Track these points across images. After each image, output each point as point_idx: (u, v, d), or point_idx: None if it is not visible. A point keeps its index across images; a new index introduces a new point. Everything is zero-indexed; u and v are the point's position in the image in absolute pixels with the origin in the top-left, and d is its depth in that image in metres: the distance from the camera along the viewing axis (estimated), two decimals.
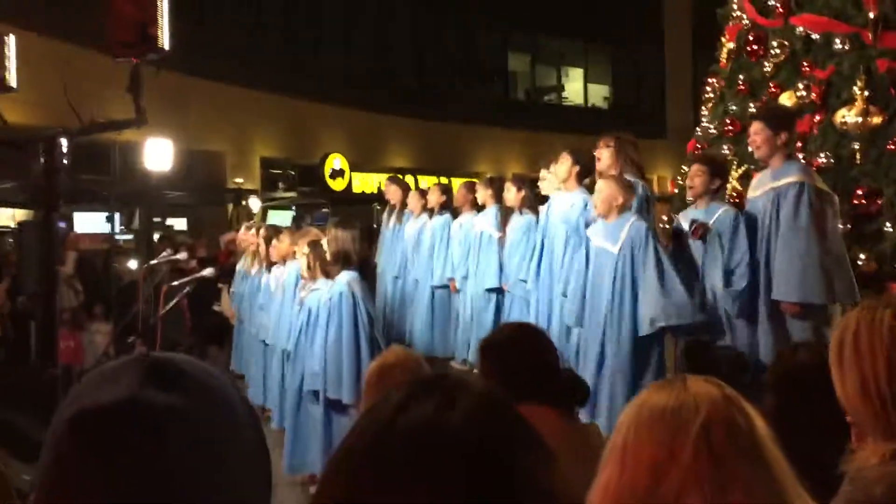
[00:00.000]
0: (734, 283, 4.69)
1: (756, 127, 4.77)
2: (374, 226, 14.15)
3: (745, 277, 4.68)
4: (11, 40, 4.45)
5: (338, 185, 19.67)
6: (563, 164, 5.96)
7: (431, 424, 0.80)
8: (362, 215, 18.01)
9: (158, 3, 3.48)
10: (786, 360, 2.21)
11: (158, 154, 8.25)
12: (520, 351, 2.27)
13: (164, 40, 3.48)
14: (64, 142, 4.01)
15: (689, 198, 5.35)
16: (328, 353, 4.72)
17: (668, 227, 5.64)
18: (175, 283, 6.28)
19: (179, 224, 17.19)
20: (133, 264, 10.02)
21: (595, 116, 24.77)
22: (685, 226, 5.11)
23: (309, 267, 5.03)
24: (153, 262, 7.07)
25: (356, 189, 20.21)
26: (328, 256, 4.87)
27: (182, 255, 7.07)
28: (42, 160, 3.92)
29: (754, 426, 1.24)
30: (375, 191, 19.64)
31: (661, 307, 4.71)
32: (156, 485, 0.79)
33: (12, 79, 4.48)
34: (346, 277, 4.82)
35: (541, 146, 22.97)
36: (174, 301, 6.02)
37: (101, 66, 5.56)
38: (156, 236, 14.49)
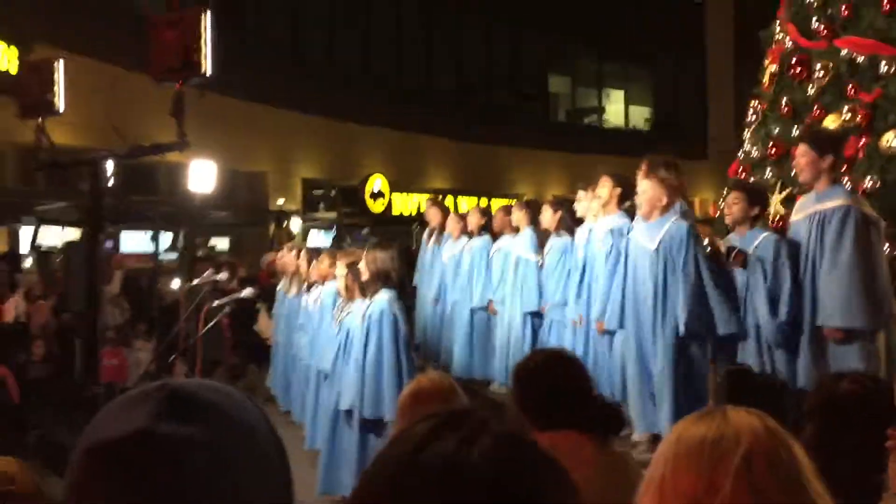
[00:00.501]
0: (780, 313, 4.60)
1: (801, 149, 4.70)
2: (413, 247, 14.22)
3: (788, 306, 4.59)
4: (60, 65, 4.56)
5: (378, 206, 19.80)
6: (604, 187, 5.94)
7: (451, 461, 0.80)
8: (401, 236, 18.11)
9: (202, 30, 3.56)
10: (827, 389, 2.17)
11: (202, 175, 8.38)
12: (552, 377, 2.26)
13: (207, 66, 3.55)
14: (109, 164, 4.09)
15: (730, 224, 5.29)
16: (366, 372, 4.72)
17: (709, 248, 5.57)
18: (216, 303, 6.36)
19: (222, 244, 17.43)
20: (176, 284, 10.17)
21: (636, 138, 24.64)
22: (723, 249, 5.04)
23: (347, 287, 5.05)
24: (195, 282, 7.16)
25: (396, 210, 20.33)
26: (366, 276, 4.89)
27: (223, 276, 7.15)
28: (88, 182, 4.01)
29: (796, 459, 1.21)
30: (415, 212, 19.73)
31: (694, 312, 4.71)
32: None
33: (60, 103, 4.58)
34: (385, 296, 4.84)
35: (581, 168, 22.89)
36: (214, 321, 6.08)
37: (146, 88, 5.69)
38: (198, 255, 14.71)
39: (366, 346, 4.74)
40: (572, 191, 6.74)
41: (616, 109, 26.36)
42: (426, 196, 19.87)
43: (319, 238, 18.36)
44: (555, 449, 2.04)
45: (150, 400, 0.85)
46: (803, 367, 4.56)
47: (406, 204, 20.59)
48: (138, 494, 0.81)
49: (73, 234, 13.13)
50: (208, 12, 3.63)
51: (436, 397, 2.49)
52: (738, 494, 1.15)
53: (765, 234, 4.91)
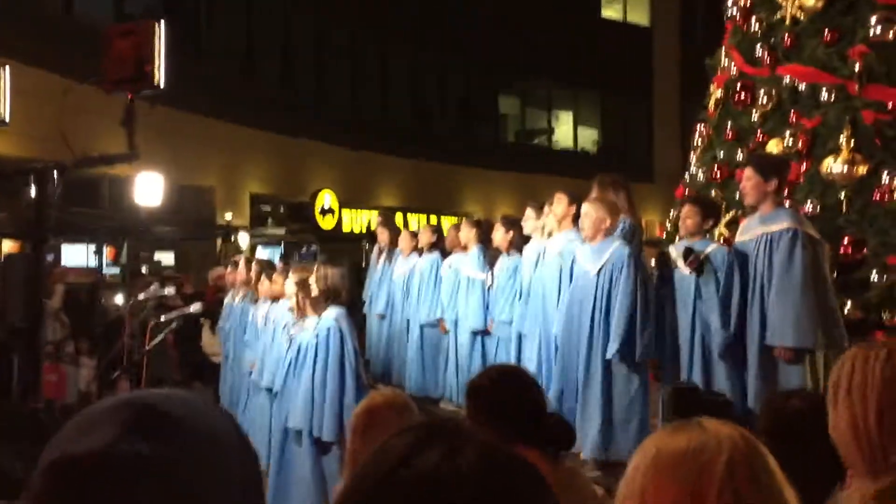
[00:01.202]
0: (729, 325, 4.72)
1: (747, 173, 4.83)
2: (363, 265, 14.16)
3: (738, 318, 4.72)
4: (6, 72, 4.46)
5: (327, 222, 19.70)
6: (560, 205, 6.01)
7: (437, 474, 0.79)
8: (351, 253, 18.03)
9: (155, 41, 3.52)
10: (778, 406, 2.21)
11: (149, 188, 8.21)
12: (506, 393, 2.26)
13: (160, 77, 3.51)
14: (55, 175, 4.01)
15: (682, 237, 5.40)
16: (315, 391, 4.69)
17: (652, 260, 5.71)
18: (162, 318, 6.24)
19: (167, 259, 17.13)
20: (119, 299, 9.96)
21: (584, 160, 24.99)
22: (674, 254, 5.13)
23: (298, 305, 5.02)
24: (140, 297, 7.02)
25: (346, 227, 20.26)
26: (316, 293, 4.87)
27: (170, 291, 7.03)
28: (33, 193, 3.92)
29: (771, 466, 1.24)
30: (365, 229, 19.68)
31: (626, 337, 4.83)
32: None
33: (6, 112, 4.48)
34: (333, 313, 4.82)
35: (530, 188, 23.11)
36: (160, 337, 5.97)
37: (94, 100, 5.59)
38: (142, 270, 14.44)
39: (315, 363, 4.71)
40: (523, 210, 6.81)
41: (565, 131, 26.71)
42: (376, 213, 19.88)
43: (266, 254, 18.18)
44: None
45: (114, 416, 0.84)
46: (751, 386, 4.65)
47: (356, 221, 20.54)
48: None
49: (9, 246, 12.81)
50: (162, 23, 3.59)
51: (390, 414, 2.48)
52: (723, 503, 1.17)
53: (716, 245, 5.02)
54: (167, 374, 8.93)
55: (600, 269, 5.11)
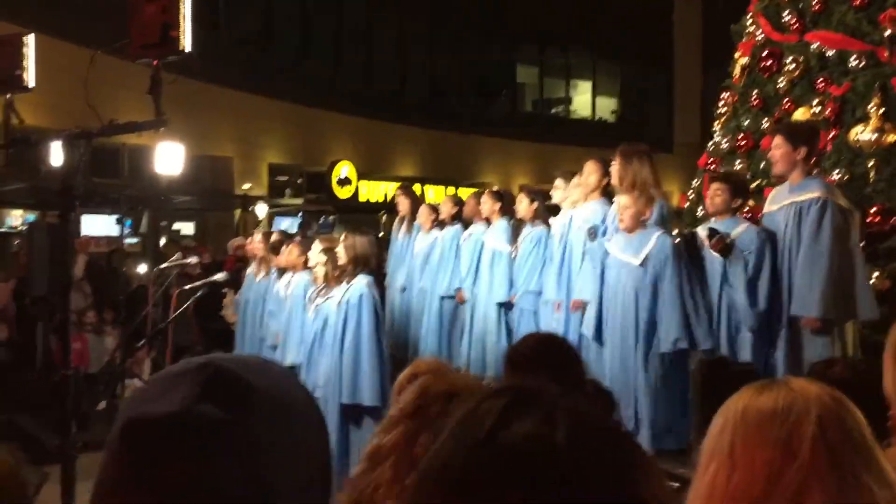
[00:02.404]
0: (759, 303, 4.66)
1: (776, 141, 4.74)
2: (380, 234, 14.13)
3: (767, 296, 4.65)
4: (31, 40, 4.43)
5: (345, 193, 19.68)
6: (594, 175, 5.93)
7: (536, 443, 0.76)
8: (368, 224, 18.02)
9: (181, 6, 3.47)
10: (820, 375, 2.19)
11: (169, 158, 8.18)
12: (546, 361, 2.25)
13: (187, 43, 3.47)
14: (82, 142, 3.99)
15: (710, 216, 5.30)
16: (345, 357, 4.67)
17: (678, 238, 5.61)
18: (187, 287, 6.25)
19: (186, 228, 17.19)
20: (141, 268, 9.99)
21: (602, 129, 24.79)
22: (702, 234, 5.07)
23: (326, 274, 5.00)
24: (164, 265, 7.03)
25: (362, 197, 20.23)
26: (345, 261, 4.84)
27: (193, 259, 7.03)
28: (61, 160, 3.90)
29: (863, 424, 1.24)
30: (382, 199, 19.65)
31: (685, 328, 4.76)
32: (199, 500, 0.80)
33: (30, 78, 4.45)
34: (363, 280, 4.80)
35: (548, 157, 22.98)
36: (186, 305, 5.98)
37: (116, 69, 5.56)
38: (162, 240, 14.48)
39: (344, 331, 4.70)
40: (540, 180, 6.75)
41: (583, 100, 26.48)
42: (393, 184, 19.83)
43: (285, 224, 18.20)
44: None
45: (190, 379, 0.85)
46: (779, 357, 4.61)
47: (373, 191, 20.50)
48: (169, 475, 0.81)
49: (35, 216, 12.88)
50: None
51: (438, 381, 2.46)
52: (816, 459, 1.17)
53: (746, 224, 4.93)
54: (190, 343, 8.98)
55: (644, 261, 5.01)
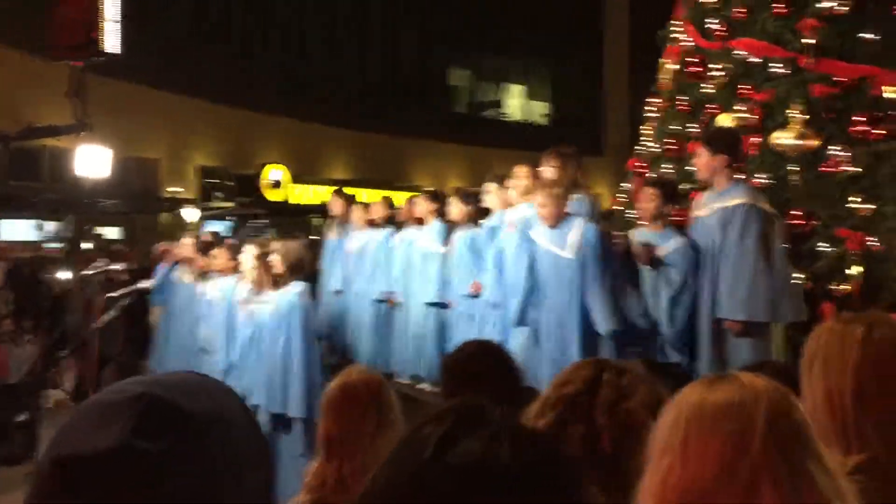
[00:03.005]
0: (675, 322, 4.77)
1: (700, 150, 4.84)
2: (311, 237, 13.93)
3: (685, 314, 4.76)
4: None
5: (276, 196, 19.44)
6: (525, 179, 5.98)
7: (481, 462, 0.78)
8: (300, 226, 17.82)
9: (101, 5, 3.36)
10: None
11: (92, 160, 7.91)
12: (482, 368, 2.24)
13: (109, 44, 3.36)
14: None
15: (641, 220, 5.38)
16: (276, 367, 4.61)
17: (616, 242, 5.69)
18: (114, 294, 6.06)
19: (112, 233, 16.73)
20: (64, 275, 9.66)
21: (534, 132, 25.05)
22: (635, 241, 5.13)
23: (258, 279, 4.91)
24: (89, 272, 6.81)
25: (294, 200, 20.02)
26: (280, 267, 4.77)
27: (119, 266, 6.83)
28: None
29: (804, 417, 1.26)
30: (314, 202, 19.48)
31: (615, 313, 4.84)
32: None
33: None
34: (297, 288, 4.74)
35: (481, 161, 23.11)
36: (113, 314, 5.80)
37: (34, 70, 5.38)
38: (86, 245, 14.04)
39: (275, 337, 4.63)
40: (473, 182, 6.78)
41: (516, 104, 26.72)
42: (325, 187, 19.66)
43: (216, 228, 17.87)
44: None
45: (124, 411, 0.82)
46: (703, 360, 4.69)
47: (305, 194, 20.30)
48: None
49: None
50: None
51: (365, 392, 2.43)
52: (768, 454, 1.19)
53: (678, 238, 4.96)
54: (114, 352, 8.72)
55: (575, 252, 5.07)
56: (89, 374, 6.73)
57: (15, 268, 9.56)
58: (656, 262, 4.87)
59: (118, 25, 3.22)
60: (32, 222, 12.40)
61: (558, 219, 5.18)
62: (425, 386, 7.09)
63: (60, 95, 3.95)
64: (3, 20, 11.88)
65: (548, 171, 5.63)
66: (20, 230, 13.09)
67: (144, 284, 6.45)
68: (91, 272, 6.84)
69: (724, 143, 5.04)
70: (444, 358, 2.37)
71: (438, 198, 7.50)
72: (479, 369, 2.23)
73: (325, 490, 2.28)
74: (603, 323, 4.94)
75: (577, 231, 5.08)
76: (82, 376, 6.38)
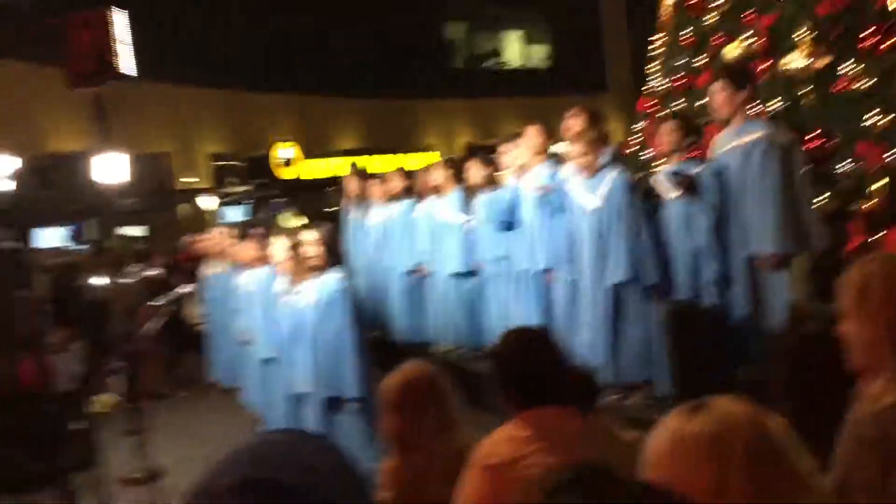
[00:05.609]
0: (724, 246, 4.76)
1: (718, 86, 4.78)
2: (325, 209, 13.99)
3: (725, 235, 4.76)
4: None
5: (288, 173, 19.49)
6: (535, 139, 6.00)
7: None
8: (314, 201, 17.92)
9: (113, 30, 3.41)
10: (793, 332, 2.28)
11: (109, 167, 8.00)
12: (528, 355, 2.30)
13: (124, 65, 3.42)
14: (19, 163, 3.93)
15: (662, 156, 5.33)
16: (324, 352, 4.70)
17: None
18: (156, 302, 6.16)
19: (135, 232, 16.87)
20: (98, 280, 9.80)
21: (536, 77, 24.84)
22: (660, 181, 5.13)
23: (294, 270, 4.98)
24: (128, 280, 6.94)
25: (306, 175, 20.05)
26: (314, 256, 4.84)
27: (156, 271, 6.93)
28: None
29: (784, 439, 1.26)
30: (326, 175, 19.50)
31: (639, 263, 4.90)
32: None
33: None
34: (337, 274, 4.82)
35: (487, 113, 23.00)
36: (159, 321, 5.90)
37: (43, 79, 5.45)
38: (112, 247, 14.15)
39: (321, 325, 4.72)
40: (482, 135, 6.79)
41: (515, 50, 26.44)
42: (336, 159, 19.68)
43: (236, 213, 17.98)
44: (543, 424, 2.10)
45: (234, 500, 0.88)
46: (738, 296, 4.73)
47: (316, 168, 20.32)
48: None
49: None
50: (115, 10, 3.47)
51: (425, 387, 2.52)
52: (748, 487, 1.19)
53: (703, 165, 4.93)
54: (157, 352, 8.88)
55: (603, 202, 5.11)
56: (140, 377, 6.89)
57: (55, 277, 9.74)
58: (690, 187, 4.82)
59: (130, 47, 3.28)
60: (58, 229, 12.54)
61: (595, 168, 5.20)
62: (461, 352, 7.20)
63: (67, 99, 4.05)
64: (14, 35, 11.90)
65: (576, 124, 5.62)
66: (47, 238, 13.26)
67: (186, 289, 6.54)
68: (130, 280, 6.95)
69: (745, 77, 4.99)
70: (491, 349, 2.44)
71: (454, 164, 7.52)
72: (525, 357, 2.30)
73: (402, 486, 2.38)
74: (618, 270, 4.99)
75: (609, 180, 5.12)
76: (133, 379, 6.53)
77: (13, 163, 6.06)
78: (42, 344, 8.99)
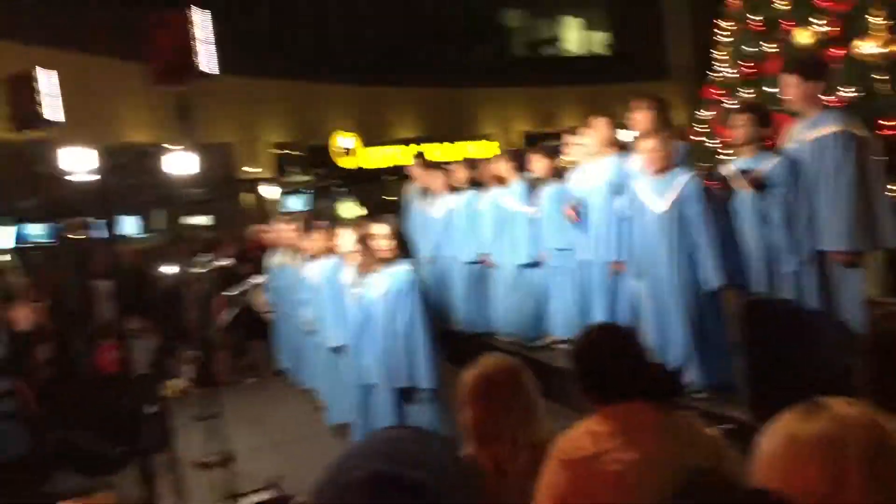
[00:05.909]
0: (798, 240, 4.67)
1: (791, 80, 4.66)
2: (384, 198, 14.03)
3: (803, 230, 4.66)
4: (41, 74, 4.49)
5: (348, 162, 19.67)
6: (602, 131, 5.96)
7: None
8: (374, 191, 18.07)
9: (192, 30, 3.50)
10: (883, 327, 2.25)
11: (180, 161, 8.24)
12: (610, 351, 2.31)
13: (206, 64, 3.51)
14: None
15: (736, 147, 5.24)
16: (397, 343, 4.76)
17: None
18: (230, 292, 6.29)
19: (201, 221, 17.22)
20: (169, 269, 10.06)
21: (596, 64, 24.57)
22: (731, 172, 5.06)
23: (362, 261, 5.06)
24: (200, 270, 7.09)
25: (366, 164, 20.21)
26: (385, 248, 4.90)
27: (227, 261, 7.07)
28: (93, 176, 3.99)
29: None
30: (385, 165, 19.64)
31: (720, 267, 4.84)
32: None
33: (47, 111, 4.53)
34: (407, 266, 4.88)
35: (546, 101, 22.86)
36: (234, 311, 6.02)
37: (110, 70, 5.61)
38: (183, 237, 14.49)
39: (391, 317, 4.78)
40: (541, 123, 6.78)
41: (574, 37, 26.19)
42: (395, 147, 19.79)
43: (297, 202, 18.22)
44: (624, 419, 2.12)
45: (364, 493, 0.93)
46: (809, 291, 4.64)
47: (376, 157, 20.47)
48: None
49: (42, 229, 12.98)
50: (195, 10, 3.56)
51: (506, 380, 2.55)
52: (865, 489, 1.19)
53: (776, 157, 4.81)
54: (227, 340, 9.08)
55: (671, 206, 5.06)
56: (211, 364, 7.07)
57: (130, 266, 10.05)
58: (760, 185, 4.73)
59: (212, 47, 3.37)
60: (130, 219, 12.87)
61: (666, 166, 5.15)
62: (526, 342, 7.22)
63: (147, 98, 4.19)
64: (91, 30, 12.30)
65: (645, 119, 5.56)
66: (123, 228, 13.67)
67: (258, 280, 6.67)
68: (202, 270, 7.10)
69: (819, 69, 4.86)
70: (572, 346, 2.45)
71: (517, 155, 7.52)
72: (606, 353, 2.31)
73: (484, 477, 2.42)
74: (712, 278, 4.94)
75: (680, 184, 5.06)
76: (205, 365, 6.71)
77: (94, 155, 6.27)
78: (120, 330, 9.29)
